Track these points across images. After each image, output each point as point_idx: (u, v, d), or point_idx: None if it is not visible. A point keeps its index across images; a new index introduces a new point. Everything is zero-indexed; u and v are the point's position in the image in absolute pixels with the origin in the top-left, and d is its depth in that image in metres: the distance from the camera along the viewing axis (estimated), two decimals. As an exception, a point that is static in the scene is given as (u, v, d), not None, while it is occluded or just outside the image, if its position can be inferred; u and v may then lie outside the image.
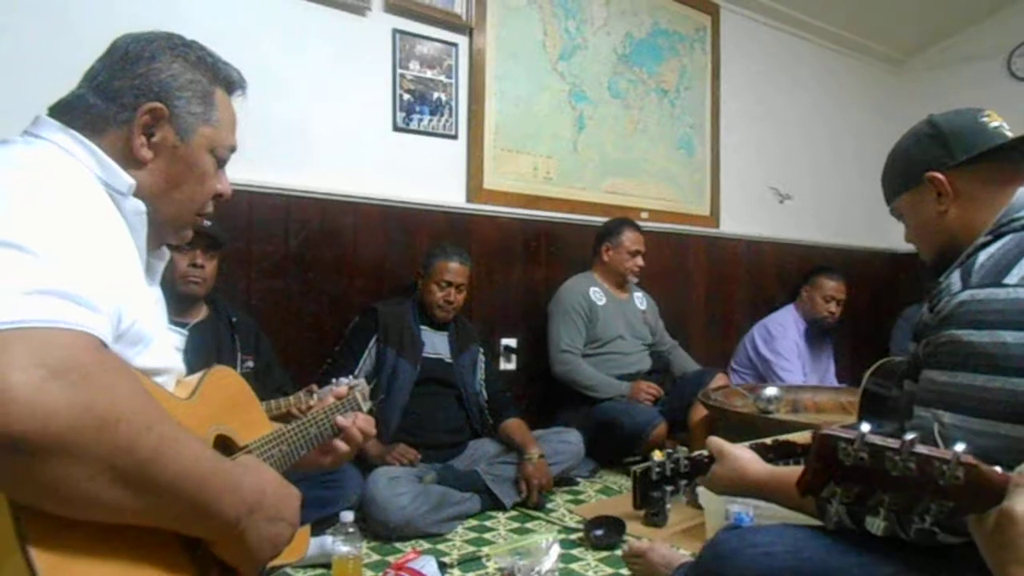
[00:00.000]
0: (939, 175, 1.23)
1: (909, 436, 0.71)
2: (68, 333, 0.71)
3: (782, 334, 3.74)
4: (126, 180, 0.93)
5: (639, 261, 3.39)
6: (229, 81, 1.08)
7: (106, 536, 0.76)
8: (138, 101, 0.96)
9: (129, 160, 0.96)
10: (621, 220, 3.45)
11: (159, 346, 0.95)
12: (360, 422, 1.34)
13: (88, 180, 0.90)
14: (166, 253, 1.09)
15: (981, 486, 0.70)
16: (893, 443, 0.72)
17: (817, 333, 3.82)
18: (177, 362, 1.04)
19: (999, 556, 0.71)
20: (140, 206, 0.95)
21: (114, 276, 0.83)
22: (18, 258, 0.72)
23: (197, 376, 1.09)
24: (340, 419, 1.32)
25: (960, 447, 0.71)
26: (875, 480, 0.72)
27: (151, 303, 1.00)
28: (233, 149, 1.09)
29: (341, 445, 1.31)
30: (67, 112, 0.96)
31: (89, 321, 0.74)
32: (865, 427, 0.73)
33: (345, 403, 1.37)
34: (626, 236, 3.37)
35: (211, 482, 0.82)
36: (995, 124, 1.23)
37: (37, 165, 0.87)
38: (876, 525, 0.74)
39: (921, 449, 0.71)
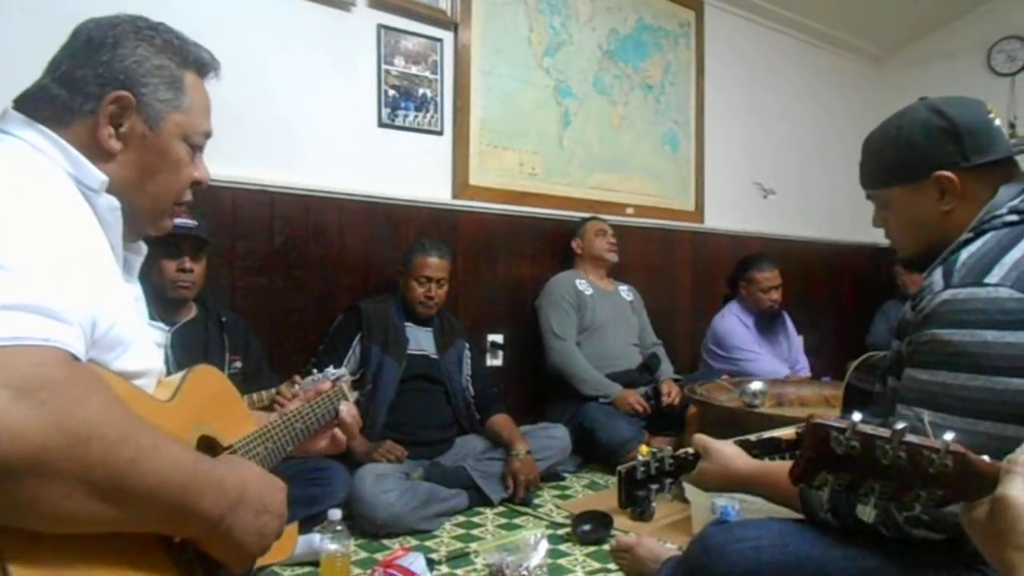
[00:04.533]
0: (952, 176, 1.17)
1: (899, 425, 0.72)
2: (36, 350, 0.70)
3: (732, 335, 3.70)
4: (97, 176, 0.90)
5: (609, 239, 3.47)
6: (200, 63, 1.02)
7: (87, 547, 0.74)
8: (103, 90, 0.91)
9: (97, 152, 0.91)
10: (583, 217, 3.56)
11: (138, 348, 0.93)
12: (351, 411, 1.35)
13: (59, 178, 0.87)
14: (143, 248, 1.05)
15: (970, 474, 0.71)
16: (884, 432, 0.72)
17: (768, 321, 3.78)
18: (158, 362, 1.01)
19: (995, 543, 0.72)
20: (114, 202, 0.92)
21: (88, 281, 0.81)
22: None
23: (178, 376, 1.07)
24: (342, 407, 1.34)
25: (949, 436, 0.71)
26: (866, 469, 0.73)
27: (129, 303, 0.97)
28: (208, 135, 1.04)
29: (339, 435, 1.33)
30: (31, 104, 0.91)
31: (58, 335, 0.72)
32: (856, 416, 0.74)
33: (333, 395, 1.37)
34: (588, 225, 3.51)
35: (192, 484, 0.81)
36: (998, 122, 1.20)
37: (5, 166, 0.83)
38: (867, 513, 0.75)
39: (911, 438, 0.72)
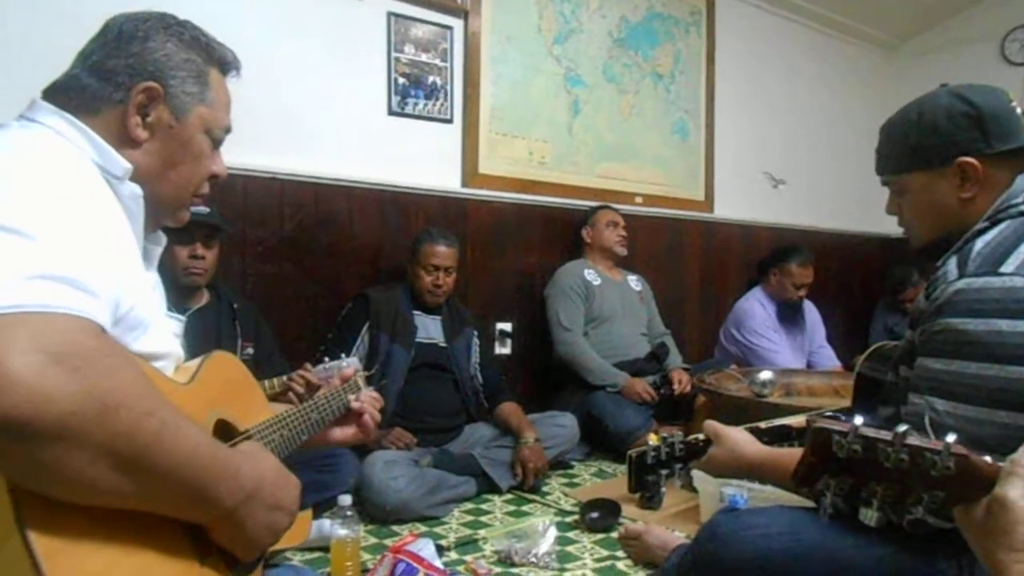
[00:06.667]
0: (975, 162, 1.16)
1: (901, 428, 0.72)
2: (68, 318, 0.71)
3: (752, 318, 3.77)
4: (122, 164, 0.92)
5: (620, 231, 3.47)
6: (224, 61, 1.07)
7: (106, 519, 0.76)
8: (133, 81, 0.95)
9: (124, 140, 0.95)
10: (594, 206, 3.55)
11: (157, 331, 0.95)
12: (369, 397, 1.42)
13: (84, 164, 0.89)
14: (162, 238, 1.08)
15: (972, 476, 0.71)
16: (886, 435, 0.72)
17: (790, 311, 3.85)
18: (176, 347, 1.03)
19: (988, 543, 0.71)
20: (137, 190, 0.94)
21: (112, 261, 0.83)
22: (18, 243, 0.72)
23: (197, 361, 1.09)
24: (353, 400, 1.38)
25: (951, 437, 0.71)
26: (868, 472, 0.73)
27: (149, 288, 0.99)
28: (228, 130, 1.08)
29: (368, 420, 1.38)
30: (61, 94, 0.94)
31: (89, 306, 0.74)
32: (859, 420, 0.73)
33: (347, 388, 1.38)
34: (599, 214, 3.50)
35: (209, 469, 0.82)
36: (1020, 109, 1.19)
37: (34, 150, 0.86)
38: (869, 516, 0.75)
39: (913, 440, 0.71)
